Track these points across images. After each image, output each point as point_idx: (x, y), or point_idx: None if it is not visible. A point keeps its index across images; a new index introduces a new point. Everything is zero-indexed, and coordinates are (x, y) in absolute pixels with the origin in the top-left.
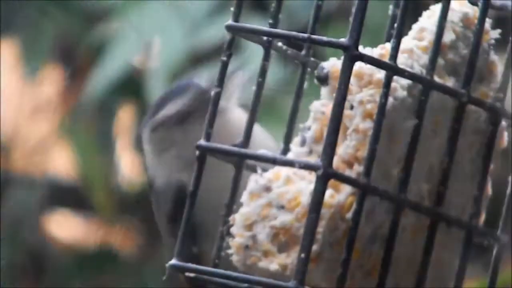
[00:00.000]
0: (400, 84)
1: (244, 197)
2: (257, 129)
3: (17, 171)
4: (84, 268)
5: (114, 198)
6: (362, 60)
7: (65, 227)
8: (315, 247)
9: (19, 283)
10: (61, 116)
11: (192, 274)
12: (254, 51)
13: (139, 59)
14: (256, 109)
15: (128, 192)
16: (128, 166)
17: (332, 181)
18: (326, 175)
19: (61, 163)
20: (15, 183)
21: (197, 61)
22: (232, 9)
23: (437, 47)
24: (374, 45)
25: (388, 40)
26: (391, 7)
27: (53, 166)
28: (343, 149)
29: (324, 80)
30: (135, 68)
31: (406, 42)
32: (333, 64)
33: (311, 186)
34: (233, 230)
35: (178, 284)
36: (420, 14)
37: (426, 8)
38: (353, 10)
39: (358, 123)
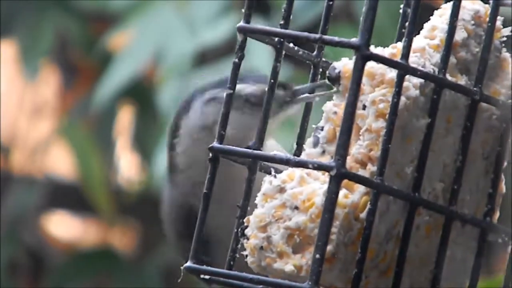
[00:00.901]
0: (412, 83)
1: (258, 199)
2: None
3: (17, 171)
4: (83, 267)
5: (113, 198)
6: (374, 60)
7: (64, 227)
8: (329, 248)
9: (18, 283)
10: (61, 117)
11: (207, 276)
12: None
13: (146, 62)
14: (269, 111)
15: (127, 193)
16: (127, 167)
17: (345, 181)
18: (339, 176)
19: (61, 163)
20: (14, 183)
21: (203, 62)
22: (242, 10)
23: (449, 45)
24: (378, 43)
25: (399, 39)
26: (401, 6)
27: (53, 166)
28: (356, 149)
29: (335, 80)
30: (142, 72)
31: (418, 41)
32: (344, 64)
33: (325, 187)
34: (247, 231)
35: (177, 284)
36: (431, 13)
37: (437, 6)
38: (364, 9)
39: (370, 122)
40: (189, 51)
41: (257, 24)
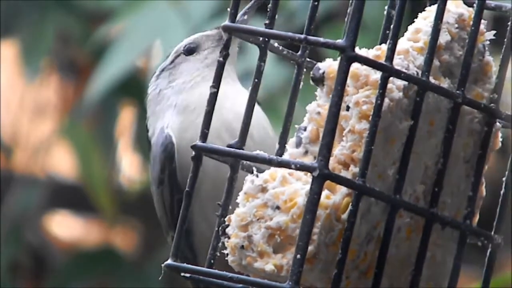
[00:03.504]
0: (396, 85)
1: (240, 198)
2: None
3: (19, 171)
4: (84, 267)
5: (115, 198)
6: (359, 61)
7: (66, 227)
8: (310, 248)
9: (19, 283)
10: (63, 116)
11: (187, 274)
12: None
13: (141, 59)
14: (252, 110)
15: (129, 192)
16: (129, 166)
17: (328, 182)
18: (322, 176)
19: (63, 163)
20: (16, 183)
21: None
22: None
23: (433, 48)
24: (370, 45)
25: (383, 41)
26: (386, 7)
27: (55, 166)
28: (339, 150)
29: (319, 80)
30: (137, 69)
31: (402, 43)
32: (329, 65)
33: (307, 187)
34: (228, 230)
35: (179, 284)
36: (416, 15)
37: (422, 9)
38: (349, 10)
39: (354, 124)
40: None
41: (252, 22)
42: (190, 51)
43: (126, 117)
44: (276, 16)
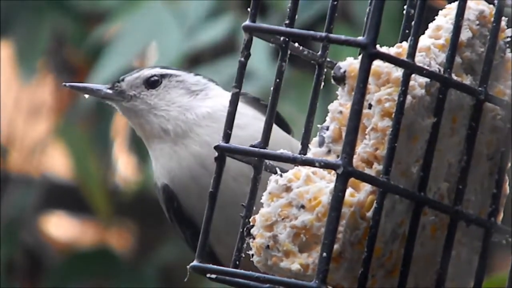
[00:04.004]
0: (418, 82)
1: (264, 198)
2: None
3: (14, 171)
4: (80, 268)
5: (110, 198)
6: (380, 58)
7: (63, 227)
8: (336, 246)
9: (16, 283)
10: (58, 117)
11: (213, 276)
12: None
13: (137, 60)
14: (274, 110)
15: (124, 193)
16: (124, 167)
17: (352, 180)
18: (346, 174)
19: (58, 163)
20: (12, 183)
21: (195, 62)
22: (248, 10)
23: (455, 45)
24: (383, 43)
25: (403, 39)
26: (405, 6)
27: (50, 167)
28: (362, 148)
29: (341, 80)
30: (133, 70)
31: (423, 40)
32: (349, 64)
33: (331, 185)
34: (253, 231)
35: (174, 284)
36: (435, 13)
37: (442, 7)
38: (368, 9)
39: (376, 121)
40: (180, 48)
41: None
42: None
43: (121, 118)
44: (270, 15)
